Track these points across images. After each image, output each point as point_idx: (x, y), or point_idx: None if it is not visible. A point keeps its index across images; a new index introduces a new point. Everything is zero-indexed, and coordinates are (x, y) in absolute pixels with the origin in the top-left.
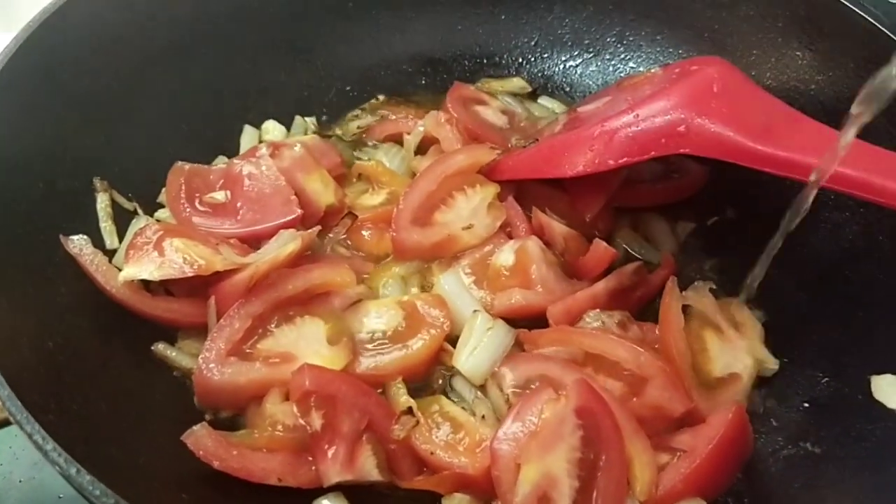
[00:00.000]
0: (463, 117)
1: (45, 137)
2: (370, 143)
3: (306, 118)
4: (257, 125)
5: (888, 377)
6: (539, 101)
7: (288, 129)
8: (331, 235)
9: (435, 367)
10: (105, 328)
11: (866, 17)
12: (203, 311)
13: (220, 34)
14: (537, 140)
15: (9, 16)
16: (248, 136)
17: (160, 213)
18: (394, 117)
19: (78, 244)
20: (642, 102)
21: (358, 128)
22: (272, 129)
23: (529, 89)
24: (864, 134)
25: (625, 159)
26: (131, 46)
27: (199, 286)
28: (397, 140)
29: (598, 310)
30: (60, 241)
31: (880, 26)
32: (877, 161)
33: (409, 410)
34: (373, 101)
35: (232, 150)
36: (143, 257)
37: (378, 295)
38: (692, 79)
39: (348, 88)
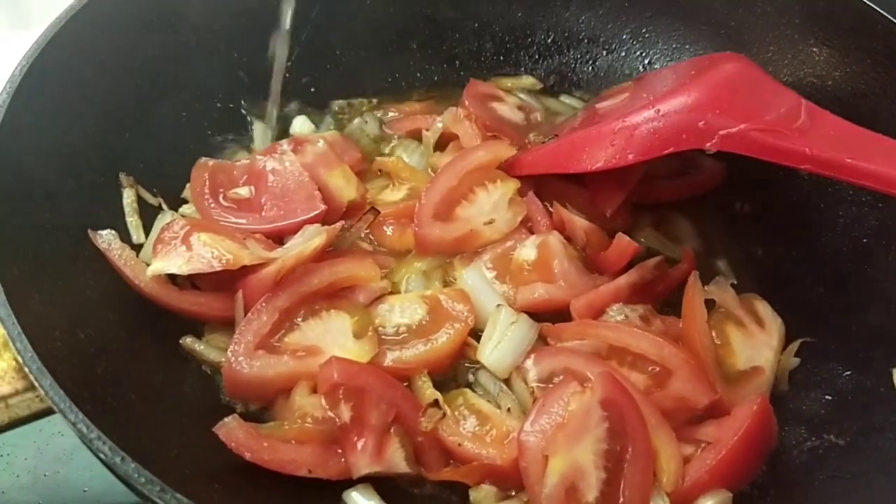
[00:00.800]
0: (480, 113)
1: (71, 134)
2: (395, 137)
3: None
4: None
5: None
6: (560, 98)
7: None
8: (353, 230)
9: (459, 361)
10: (133, 322)
11: (883, 13)
12: (229, 305)
13: (240, 31)
14: (556, 136)
15: (20, 15)
16: (259, 130)
17: (184, 209)
18: (393, 114)
19: (106, 239)
20: (662, 98)
21: (382, 124)
22: (301, 125)
23: (540, 86)
24: (881, 130)
25: (645, 154)
26: (153, 43)
27: (225, 280)
28: (416, 136)
29: (620, 303)
30: (88, 236)
31: None
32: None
33: (436, 403)
34: (364, 100)
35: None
36: (170, 252)
37: (400, 290)
38: (712, 74)
39: (363, 86)
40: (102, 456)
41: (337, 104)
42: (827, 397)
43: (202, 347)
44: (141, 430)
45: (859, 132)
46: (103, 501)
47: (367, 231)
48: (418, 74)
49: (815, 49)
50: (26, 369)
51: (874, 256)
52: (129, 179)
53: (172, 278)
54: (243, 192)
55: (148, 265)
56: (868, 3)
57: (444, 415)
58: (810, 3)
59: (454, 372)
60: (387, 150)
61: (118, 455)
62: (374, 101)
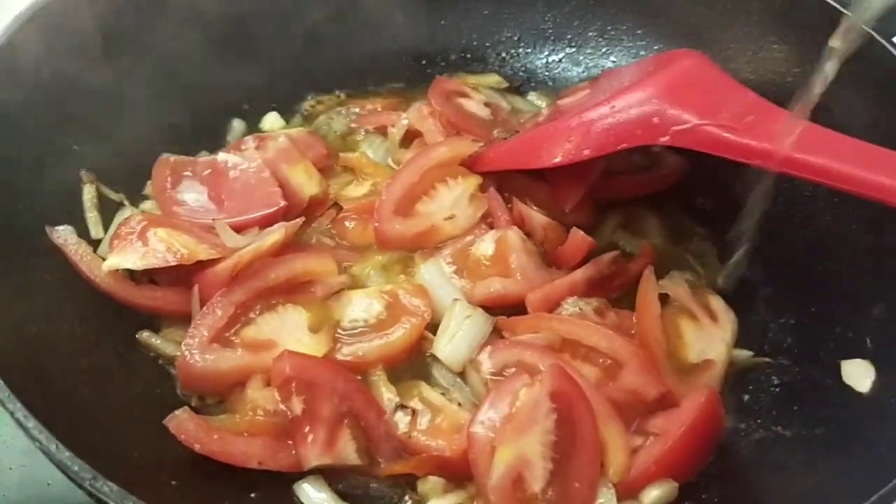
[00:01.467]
0: (446, 110)
1: (31, 129)
2: (361, 132)
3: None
4: (242, 118)
5: (858, 361)
6: (526, 96)
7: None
8: (314, 225)
9: (415, 355)
10: (89, 316)
11: (842, 9)
12: (186, 300)
13: (204, 29)
14: (517, 132)
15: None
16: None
17: (145, 205)
18: (357, 110)
19: (63, 234)
20: (618, 94)
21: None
22: (272, 122)
23: (506, 85)
24: (837, 126)
25: (601, 150)
26: (116, 40)
27: (183, 275)
28: (383, 133)
29: (575, 297)
30: (44, 231)
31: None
32: (854, 152)
33: (403, 406)
34: (332, 95)
35: (215, 144)
36: (126, 247)
37: (362, 284)
38: (667, 71)
39: (329, 84)
40: (37, 445)
41: (307, 102)
42: (776, 389)
43: (159, 342)
44: (93, 423)
45: (813, 129)
46: (68, 496)
47: (330, 226)
48: (386, 72)
49: (775, 46)
50: None
51: (828, 251)
52: (89, 175)
53: (130, 273)
54: (186, 192)
55: (105, 260)
56: None
57: (414, 412)
58: (770, 1)
59: (410, 364)
60: (353, 146)
61: (53, 443)
62: (342, 96)
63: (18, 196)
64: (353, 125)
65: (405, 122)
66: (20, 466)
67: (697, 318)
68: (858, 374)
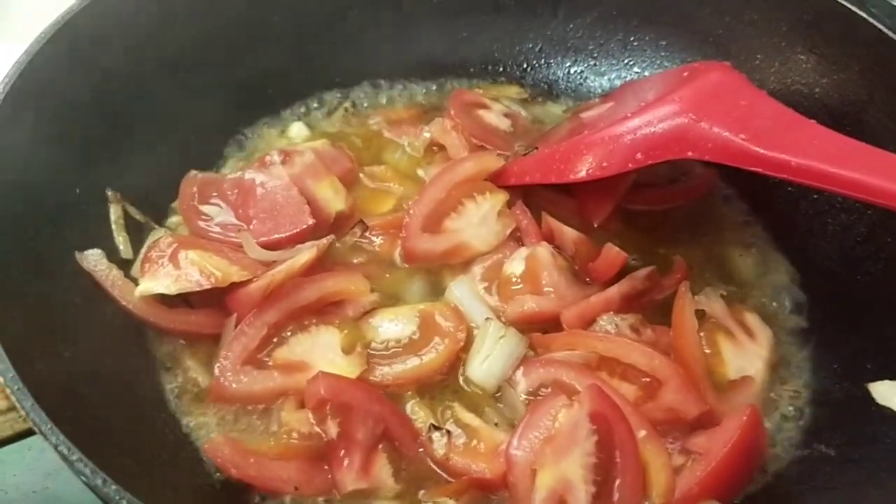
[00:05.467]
0: (466, 122)
1: (55, 151)
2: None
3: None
4: (261, 132)
5: (886, 383)
6: (546, 106)
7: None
8: (344, 240)
9: (449, 374)
10: (119, 338)
11: (870, 20)
12: (220, 322)
13: (222, 45)
14: (537, 148)
15: (5, 26)
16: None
17: (173, 220)
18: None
19: (92, 260)
20: (646, 108)
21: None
22: (298, 131)
23: (526, 96)
24: (869, 137)
25: (629, 165)
26: (138, 58)
27: (216, 295)
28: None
29: (611, 313)
30: (73, 253)
31: (884, 29)
32: (885, 165)
33: (436, 427)
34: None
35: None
36: (158, 271)
37: (392, 302)
38: (695, 83)
39: (351, 96)
40: (83, 478)
41: (326, 109)
42: (818, 408)
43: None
44: (126, 448)
45: (843, 141)
46: None
47: (357, 241)
48: (406, 83)
49: (802, 56)
50: (7, 390)
51: (863, 265)
52: (115, 195)
53: (163, 295)
54: (213, 211)
55: (136, 283)
56: (855, 10)
57: (450, 434)
58: (797, 11)
59: (444, 385)
60: (374, 153)
61: (99, 476)
62: (364, 107)
63: (43, 217)
64: (377, 132)
65: (427, 135)
66: (43, 489)
67: (734, 334)
68: (889, 394)
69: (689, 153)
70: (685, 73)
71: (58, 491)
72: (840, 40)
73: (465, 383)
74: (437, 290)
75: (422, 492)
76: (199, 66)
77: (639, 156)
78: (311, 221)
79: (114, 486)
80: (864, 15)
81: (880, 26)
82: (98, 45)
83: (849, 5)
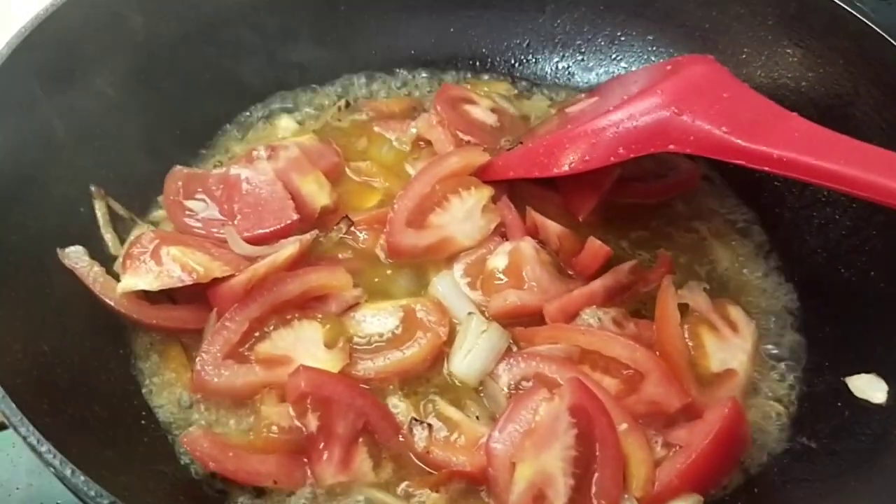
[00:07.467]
0: (451, 118)
1: (39, 144)
2: (372, 125)
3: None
4: (248, 127)
5: (863, 376)
6: (533, 101)
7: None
8: (330, 235)
9: (431, 369)
10: (99, 331)
11: (856, 14)
12: (203, 317)
13: (210, 39)
14: (522, 143)
15: (5, 26)
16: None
17: (157, 214)
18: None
19: (74, 256)
20: (629, 101)
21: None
22: (286, 125)
23: (515, 92)
24: (855, 130)
25: (611, 159)
26: (123, 52)
27: (198, 290)
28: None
29: (594, 307)
30: (53, 248)
31: (870, 23)
32: (866, 157)
33: (418, 420)
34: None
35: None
36: (140, 267)
37: (376, 297)
38: (678, 77)
39: (339, 91)
40: (52, 470)
41: (315, 104)
42: (799, 400)
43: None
44: (105, 441)
45: (825, 134)
46: None
47: (343, 236)
48: (394, 78)
49: (788, 50)
50: None
51: (848, 258)
52: (99, 191)
53: (145, 291)
54: (198, 206)
55: (118, 279)
56: (840, 3)
57: (431, 427)
58: (783, 5)
59: (426, 379)
60: (361, 148)
61: (68, 468)
62: (352, 102)
63: (25, 211)
64: (367, 126)
65: (413, 130)
66: (27, 486)
67: (717, 327)
68: (867, 387)
69: (672, 146)
70: (668, 67)
71: (42, 488)
72: (826, 34)
73: (450, 377)
74: (421, 285)
75: (404, 483)
76: (186, 60)
77: (621, 150)
78: (295, 216)
79: (82, 477)
80: (849, 9)
81: (865, 20)
82: (83, 39)
83: None
